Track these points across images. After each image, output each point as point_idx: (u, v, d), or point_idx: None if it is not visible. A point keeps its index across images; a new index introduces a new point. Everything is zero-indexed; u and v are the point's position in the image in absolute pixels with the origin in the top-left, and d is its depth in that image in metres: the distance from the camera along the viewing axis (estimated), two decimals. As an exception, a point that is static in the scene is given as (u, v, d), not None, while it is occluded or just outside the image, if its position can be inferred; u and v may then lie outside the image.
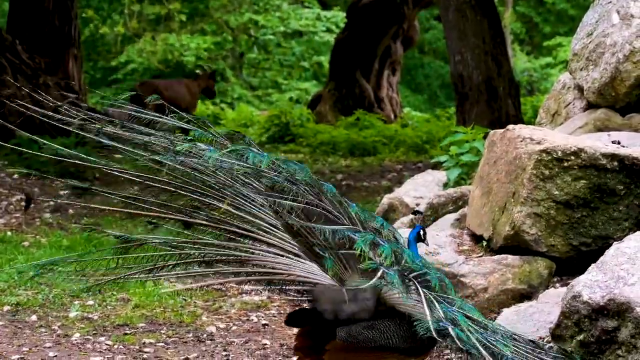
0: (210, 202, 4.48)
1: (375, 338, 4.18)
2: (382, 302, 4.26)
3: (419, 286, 4.21)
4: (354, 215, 4.43)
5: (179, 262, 4.48)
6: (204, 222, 4.48)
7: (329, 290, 4.26)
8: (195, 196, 4.49)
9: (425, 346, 4.28)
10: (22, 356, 5.74)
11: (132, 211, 4.57)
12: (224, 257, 4.43)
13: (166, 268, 4.50)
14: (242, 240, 4.45)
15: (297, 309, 4.53)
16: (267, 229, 4.42)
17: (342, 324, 4.21)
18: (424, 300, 4.17)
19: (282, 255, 4.39)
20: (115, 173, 4.54)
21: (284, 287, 4.46)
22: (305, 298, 4.45)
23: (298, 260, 4.36)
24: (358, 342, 4.17)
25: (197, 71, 21.16)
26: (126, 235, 4.54)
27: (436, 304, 4.18)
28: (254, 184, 4.47)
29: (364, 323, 4.19)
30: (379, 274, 4.18)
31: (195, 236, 4.48)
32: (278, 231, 4.41)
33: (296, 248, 4.36)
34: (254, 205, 4.44)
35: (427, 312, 4.14)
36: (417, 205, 7.95)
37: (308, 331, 4.40)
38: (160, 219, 4.52)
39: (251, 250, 4.41)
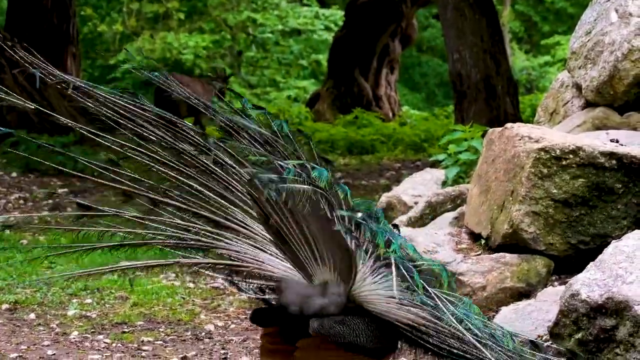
0: (191, 183, 4.38)
1: (345, 334, 4.10)
2: (351, 299, 4.21)
3: (425, 284, 4.19)
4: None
5: (142, 241, 4.35)
6: (175, 204, 4.36)
7: (297, 285, 4.18)
8: (172, 173, 4.36)
9: (387, 349, 4.24)
10: (20, 354, 5.74)
11: (104, 182, 4.30)
12: (189, 243, 4.35)
13: (128, 248, 4.41)
14: (209, 226, 4.32)
15: (262, 306, 4.42)
16: (240, 219, 4.33)
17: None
18: (436, 298, 4.15)
19: (251, 246, 4.30)
20: (106, 143, 4.34)
21: (247, 279, 4.37)
22: (266, 297, 4.36)
23: (265, 252, 4.27)
24: (329, 336, 4.09)
25: (210, 73, 21.17)
26: (89, 203, 4.40)
27: (447, 303, 4.17)
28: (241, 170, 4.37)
29: (335, 317, 4.14)
30: (393, 268, 4.12)
31: (161, 217, 4.32)
32: (252, 221, 4.31)
33: (266, 240, 4.27)
34: (232, 191, 4.34)
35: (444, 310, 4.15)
36: (416, 204, 7.96)
37: (276, 332, 4.32)
38: (132, 192, 4.30)
39: (218, 237, 4.33)
